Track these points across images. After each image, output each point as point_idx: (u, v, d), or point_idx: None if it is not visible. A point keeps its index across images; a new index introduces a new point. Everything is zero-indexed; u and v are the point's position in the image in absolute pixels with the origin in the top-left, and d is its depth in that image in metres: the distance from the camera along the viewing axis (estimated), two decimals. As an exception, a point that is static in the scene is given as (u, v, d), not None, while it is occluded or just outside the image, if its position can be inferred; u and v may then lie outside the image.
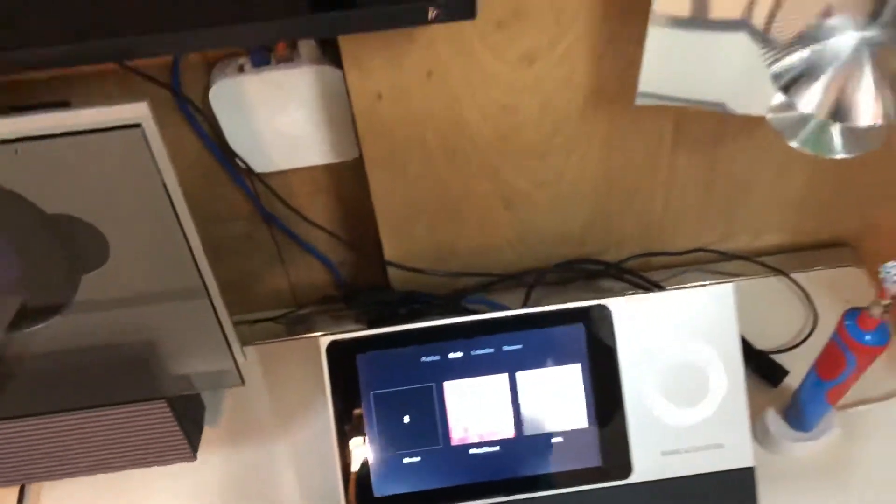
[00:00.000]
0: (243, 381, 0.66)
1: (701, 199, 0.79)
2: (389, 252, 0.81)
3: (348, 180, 0.77)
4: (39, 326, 0.59)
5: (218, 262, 0.60)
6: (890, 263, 0.54)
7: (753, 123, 0.70)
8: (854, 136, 0.59)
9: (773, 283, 0.84)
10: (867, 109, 0.54)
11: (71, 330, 0.60)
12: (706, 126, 0.71)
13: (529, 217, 0.79)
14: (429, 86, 0.64)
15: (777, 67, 0.56)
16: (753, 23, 0.56)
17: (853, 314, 0.60)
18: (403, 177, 0.72)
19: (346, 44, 0.60)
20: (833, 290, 0.82)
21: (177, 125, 0.70)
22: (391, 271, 0.83)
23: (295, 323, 0.88)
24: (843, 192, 0.81)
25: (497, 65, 0.63)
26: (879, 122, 0.54)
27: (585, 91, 0.66)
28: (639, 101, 0.61)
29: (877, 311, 0.58)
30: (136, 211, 0.53)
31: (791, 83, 0.56)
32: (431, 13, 0.50)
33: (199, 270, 0.57)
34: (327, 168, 0.76)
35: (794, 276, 0.83)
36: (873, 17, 0.55)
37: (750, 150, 0.74)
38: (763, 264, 0.85)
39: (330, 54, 0.65)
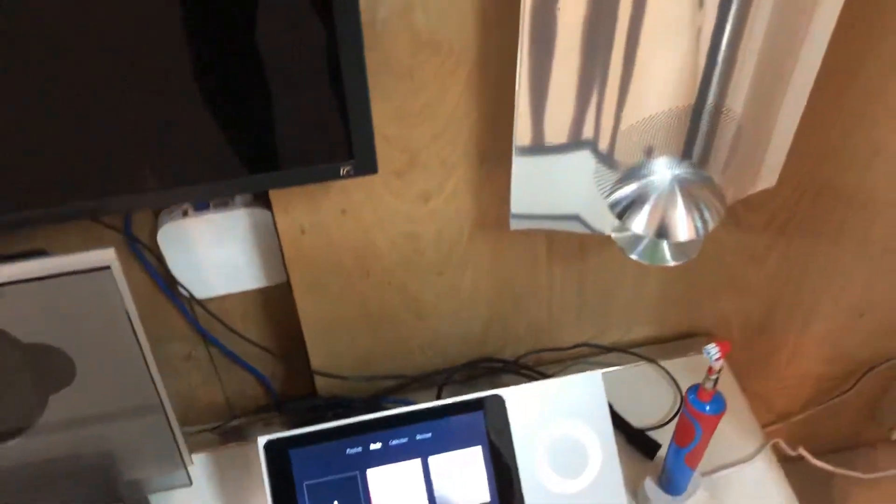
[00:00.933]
0: (191, 482, 0.76)
1: (577, 302, 0.94)
2: (316, 362, 0.92)
3: (278, 301, 0.89)
4: (12, 442, 0.68)
5: (163, 379, 0.71)
6: (710, 346, 0.69)
7: (609, 239, 0.86)
8: (678, 248, 0.75)
9: (645, 369, 0.99)
10: (682, 228, 0.70)
11: (37, 444, 0.69)
12: (573, 242, 0.87)
13: (436, 325, 0.92)
14: (344, 221, 0.78)
15: (612, 199, 0.72)
16: (599, 147, 0.72)
17: (694, 389, 0.75)
18: (326, 296, 0.85)
19: (274, 191, 0.74)
20: (695, 373, 0.97)
21: (127, 260, 0.81)
22: (318, 379, 0.94)
23: (231, 432, 0.98)
24: (692, 292, 0.98)
25: (399, 203, 0.77)
26: (692, 237, 0.70)
27: (471, 220, 0.81)
28: (513, 225, 0.77)
29: (709, 385, 0.73)
30: (103, 338, 0.64)
31: (624, 211, 0.72)
32: (343, 171, 0.64)
33: (156, 388, 0.68)
34: (260, 291, 0.88)
35: (662, 363, 0.98)
36: (682, 158, 0.72)
37: (610, 260, 0.90)
38: (636, 354, 1.00)
39: (260, 197, 0.78)
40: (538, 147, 0.70)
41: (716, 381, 0.72)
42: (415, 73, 0.67)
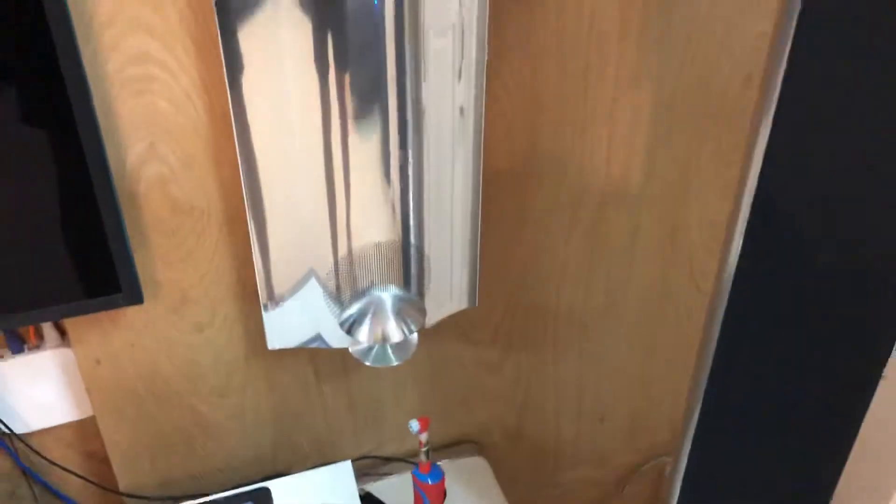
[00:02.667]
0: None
1: (351, 417, 1.14)
2: (123, 485, 1.07)
3: (91, 431, 1.05)
4: None
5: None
6: (412, 421, 0.89)
7: (362, 357, 1.07)
8: (398, 350, 0.98)
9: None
10: (394, 333, 0.93)
11: None
12: (335, 361, 1.08)
13: (229, 445, 1.09)
14: (133, 352, 0.97)
15: (341, 318, 0.95)
16: (328, 289, 0.95)
17: (416, 466, 0.95)
18: (125, 422, 1.02)
19: (72, 327, 0.93)
20: (465, 474, 1.17)
21: (-52, 402, 0.97)
22: (127, 501, 1.08)
23: (49, 565, 1.09)
24: (447, 402, 1.19)
25: (178, 334, 0.97)
26: (402, 338, 0.93)
27: (244, 346, 1.02)
28: (270, 345, 0.98)
29: (423, 458, 0.92)
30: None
31: (351, 326, 0.94)
32: (116, 301, 0.85)
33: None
34: (79, 423, 1.04)
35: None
36: (392, 283, 0.96)
37: (370, 376, 1.11)
38: (411, 462, 1.19)
39: (68, 339, 0.97)
40: (277, 299, 0.93)
41: (427, 452, 0.92)
42: (177, 231, 0.90)
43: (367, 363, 0.97)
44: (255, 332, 1.01)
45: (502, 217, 1.03)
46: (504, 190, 1.02)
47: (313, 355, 1.07)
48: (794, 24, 0.60)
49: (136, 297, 0.86)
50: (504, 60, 0.93)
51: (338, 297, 0.95)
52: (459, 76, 0.88)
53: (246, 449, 1.11)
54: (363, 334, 0.93)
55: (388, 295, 0.95)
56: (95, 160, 0.80)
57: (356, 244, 0.92)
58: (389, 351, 0.98)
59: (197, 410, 1.05)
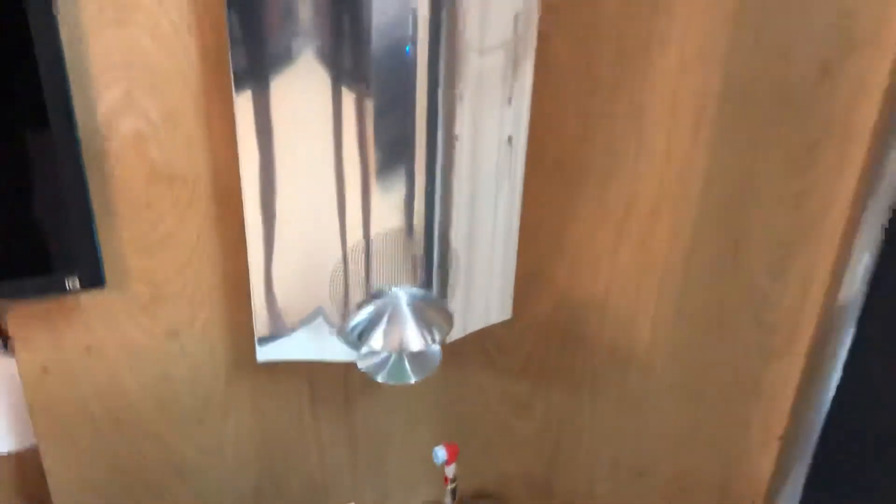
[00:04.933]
0: None
1: (350, 456, 0.94)
2: (67, 535, 0.86)
3: (30, 466, 0.85)
4: None
5: None
6: (437, 448, 0.71)
7: (373, 387, 0.89)
8: (417, 364, 0.80)
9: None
10: (414, 340, 0.75)
11: None
12: (336, 386, 0.90)
13: (202, 485, 0.89)
14: (89, 360, 0.78)
15: (351, 323, 0.77)
16: (336, 287, 0.77)
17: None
18: (74, 451, 0.82)
19: (15, 324, 0.74)
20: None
21: None
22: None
23: None
24: (467, 446, 1.00)
25: (147, 340, 0.79)
26: (423, 347, 0.75)
27: (227, 360, 0.83)
28: (260, 357, 0.79)
29: (448, 500, 0.73)
30: None
31: (362, 333, 0.77)
32: (69, 283, 0.67)
33: None
34: (17, 457, 0.84)
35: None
36: (413, 285, 0.79)
37: (377, 407, 0.93)
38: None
39: (11, 347, 0.78)
40: (273, 298, 0.76)
41: (454, 494, 0.73)
42: (153, 205, 0.73)
43: (379, 379, 0.79)
44: (242, 342, 0.83)
45: (542, 222, 0.86)
46: (547, 188, 0.86)
47: (311, 375, 0.88)
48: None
49: (95, 280, 0.68)
50: (557, 31, 0.78)
51: (347, 298, 0.78)
52: (510, 100, 0.74)
53: (223, 493, 0.90)
54: (377, 340, 0.75)
55: (407, 295, 0.77)
56: (57, 102, 0.64)
57: (373, 231, 0.75)
58: (406, 365, 0.80)
59: (165, 441, 0.85)
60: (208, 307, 0.80)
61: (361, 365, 0.80)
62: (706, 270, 0.95)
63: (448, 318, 0.78)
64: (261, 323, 0.77)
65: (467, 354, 0.93)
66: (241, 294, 0.80)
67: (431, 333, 0.76)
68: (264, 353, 0.80)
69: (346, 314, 0.78)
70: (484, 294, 0.84)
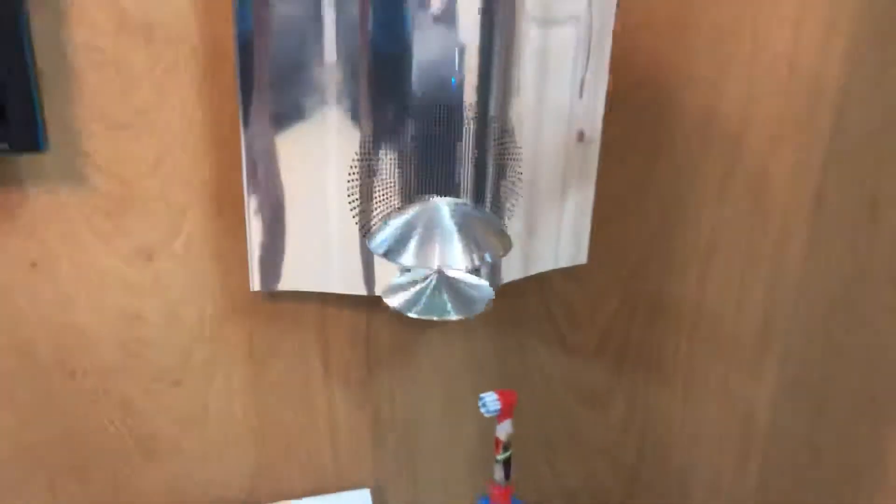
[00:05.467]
0: None
1: (372, 446, 0.73)
2: (-1, 525, 0.66)
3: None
4: None
5: None
6: (486, 395, 0.49)
7: (409, 344, 0.68)
8: (461, 300, 0.59)
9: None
10: (458, 256, 0.55)
11: None
12: (358, 344, 0.69)
13: (178, 469, 0.68)
14: (36, 280, 0.59)
15: (376, 239, 0.58)
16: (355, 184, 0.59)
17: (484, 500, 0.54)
18: (10, 408, 0.62)
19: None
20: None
21: None
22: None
23: None
24: (521, 442, 0.77)
25: (111, 259, 0.60)
26: (467, 265, 0.55)
27: (216, 296, 0.64)
28: (254, 287, 0.60)
29: (498, 473, 0.51)
30: None
31: (391, 249, 0.57)
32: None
33: None
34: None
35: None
36: (462, 197, 0.60)
37: (407, 382, 0.71)
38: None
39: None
40: (274, 202, 0.57)
41: (507, 464, 0.51)
42: (122, 65, 0.56)
43: (413, 313, 0.58)
44: (238, 272, 0.64)
45: (624, 166, 0.67)
46: (633, 123, 0.67)
47: (324, 331, 0.68)
48: None
49: (30, 141, 0.50)
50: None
51: (370, 204, 0.58)
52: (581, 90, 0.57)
53: (204, 483, 0.69)
54: (408, 255, 0.55)
55: (449, 203, 0.58)
56: None
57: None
58: (447, 300, 0.59)
59: (131, 405, 0.65)
60: (192, 218, 0.61)
61: (389, 299, 0.60)
62: (837, 233, 0.73)
63: (503, 237, 0.58)
64: (257, 236, 0.58)
65: (527, 323, 0.72)
66: (236, 201, 0.61)
67: (480, 250, 0.56)
68: (263, 281, 0.60)
69: (367, 228, 0.59)
70: (553, 225, 0.64)
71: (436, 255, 0.55)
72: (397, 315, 0.67)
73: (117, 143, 0.57)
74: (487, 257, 0.56)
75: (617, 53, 0.63)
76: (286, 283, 0.61)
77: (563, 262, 0.66)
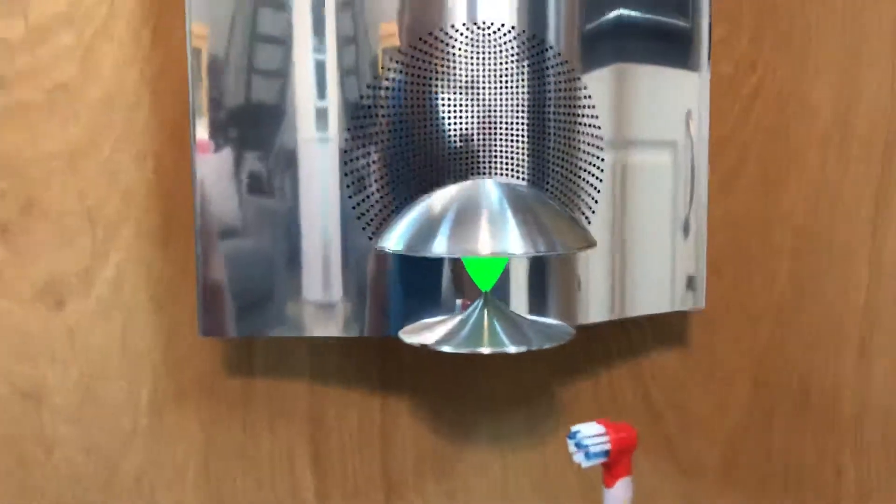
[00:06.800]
0: None
1: None
2: None
3: None
4: None
5: None
6: (578, 429, 0.27)
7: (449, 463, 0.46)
8: (512, 328, 0.37)
9: None
10: (515, 240, 0.35)
11: None
12: (364, 438, 0.46)
13: None
14: None
15: (390, 230, 0.38)
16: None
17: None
18: None
19: None
20: None
21: None
22: None
23: None
24: None
25: (4, 300, 0.41)
26: (525, 251, 0.34)
27: (153, 363, 0.43)
28: (202, 333, 0.39)
29: None
30: None
31: (410, 244, 0.37)
32: None
33: None
34: None
35: None
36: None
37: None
38: None
39: None
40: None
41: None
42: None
43: (448, 348, 0.36)
44: (188, 319, 0.43)
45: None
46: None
47: (319, 423, 0.45)
48: None
49: None
50: None
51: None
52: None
53: None
54: (440, 242, 0.34)
55: (501, 186, 0.38)
56: None
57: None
58: (497, 327, 0.37)
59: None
60: (125, 241, 0.42)
61: (409, 336, 0.38)
62: None
63: (576, 229, 0.38)
64: (207, 258, 0.39)
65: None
66: (182, 210, 0.42)
67: (545, 236, 0.35)
68: (214, 326, 0.39)
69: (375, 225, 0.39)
70: (655, 249, 0.43)
71: (483, 237, 0.35)
72: (427, 394, 0.44)
73: (12, 121, 0.40)
74: (559, 246, 0.36)
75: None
76: (250, 325, 0.40)
77: (668, 307, 0.45)
